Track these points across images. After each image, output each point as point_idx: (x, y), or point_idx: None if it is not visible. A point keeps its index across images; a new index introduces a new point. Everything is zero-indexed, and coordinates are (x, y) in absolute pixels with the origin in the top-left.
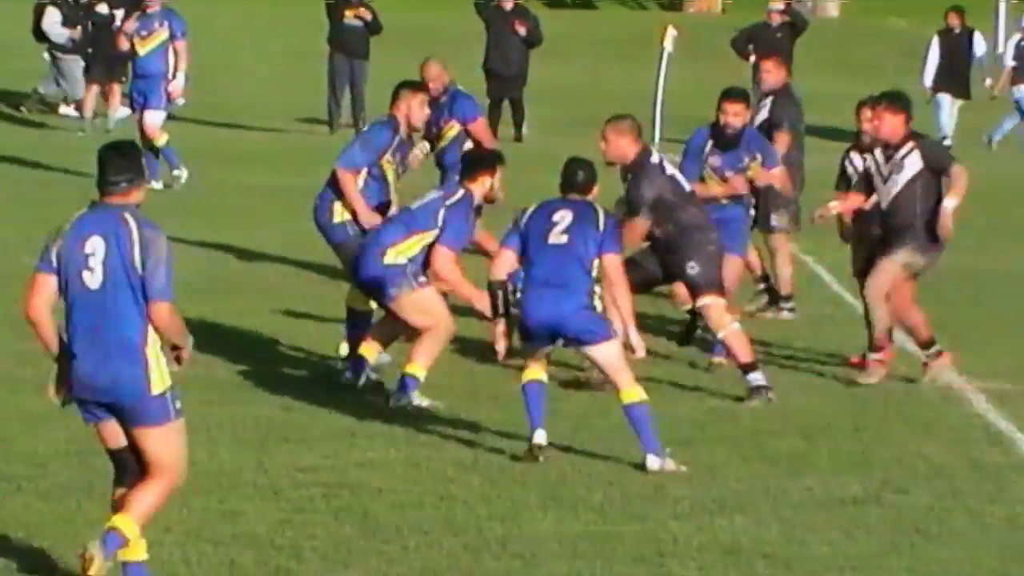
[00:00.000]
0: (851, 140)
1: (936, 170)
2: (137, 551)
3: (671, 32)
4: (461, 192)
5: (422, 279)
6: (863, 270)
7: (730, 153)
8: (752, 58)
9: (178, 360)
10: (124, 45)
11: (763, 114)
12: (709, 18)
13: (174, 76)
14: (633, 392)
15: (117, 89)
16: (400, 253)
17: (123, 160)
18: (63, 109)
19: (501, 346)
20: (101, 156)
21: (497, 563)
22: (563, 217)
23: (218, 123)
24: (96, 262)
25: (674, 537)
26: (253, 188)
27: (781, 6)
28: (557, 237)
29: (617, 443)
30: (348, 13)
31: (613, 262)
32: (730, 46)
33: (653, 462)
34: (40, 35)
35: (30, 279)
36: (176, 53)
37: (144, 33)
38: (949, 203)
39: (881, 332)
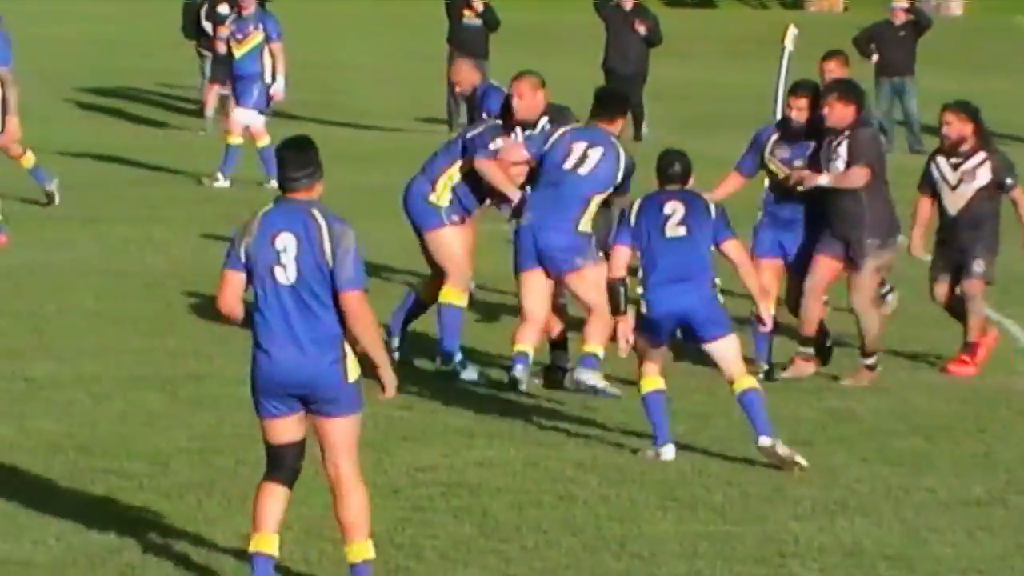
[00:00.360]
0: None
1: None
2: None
3: (792, 31)
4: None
5: (600, 255)
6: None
7: (798, 144)
8: (875, 57)
9: (382, 388)
10: (221, 48)
11: None
12: (830, 16)
13: (273, 79)
14: (747, 379)
15: None
16: (586, 223)
17: (302, 155)
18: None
19: (624, 344)
20: (280, 154)
21: (617, 563)
22: (675, 209)
23: (337, 123)
24: (288, 258)
25: (795, 538)
26: (372, 188)
27: (905, 4)
28: (674, 230)
29: (737, 443)
30: (467, 12)
31: (735, 246)
32: (852, 45)
33: (765, 440)
34: (190, 32)
35: (220, 276)
36: (273, 55)
37: (240, 36)
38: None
39: (874, 339)
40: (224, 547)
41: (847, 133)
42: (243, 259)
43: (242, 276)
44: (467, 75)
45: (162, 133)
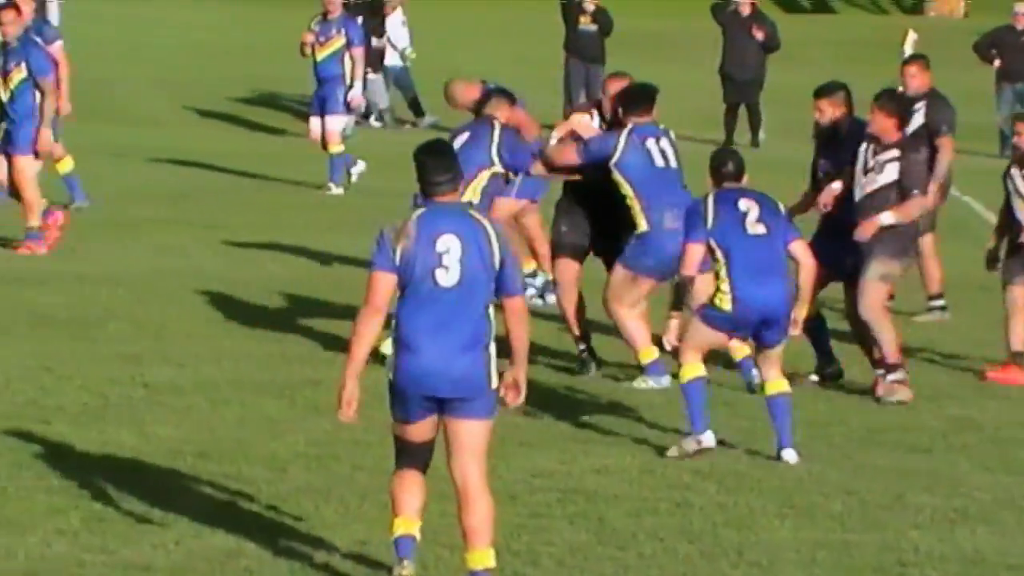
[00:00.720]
0: None
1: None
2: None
3: (911, 36)
4: None
5: None
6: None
7: (830, 154)
8: (996, 62)
9: (515, 389)
10: (306, 51)
11: (917, 119)
12: (951, 21)
13: (351, 84)
14: (781, 383)
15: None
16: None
17: (442, 159)
18: (373, 122)
19: (671, 337)
20: (419, 160)
21: (734, 570)
22: (749, 207)
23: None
24: (451, 260)
25: (915, 547)
26: None
27: None
28: (755, 227)
29: (855, 450)
30: (583, 19)
31: (801, 245)
32: (972, 50)
33: (790, 455)
34: None
35: (370, 279)
36: (353, 60)
37: (322, 39)
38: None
39: (891, 348)
40: (341, 552)
41: (897, 153)
42: (397, 262)
43: (394, 278)
44: (458, 96)
45: (280, 140)
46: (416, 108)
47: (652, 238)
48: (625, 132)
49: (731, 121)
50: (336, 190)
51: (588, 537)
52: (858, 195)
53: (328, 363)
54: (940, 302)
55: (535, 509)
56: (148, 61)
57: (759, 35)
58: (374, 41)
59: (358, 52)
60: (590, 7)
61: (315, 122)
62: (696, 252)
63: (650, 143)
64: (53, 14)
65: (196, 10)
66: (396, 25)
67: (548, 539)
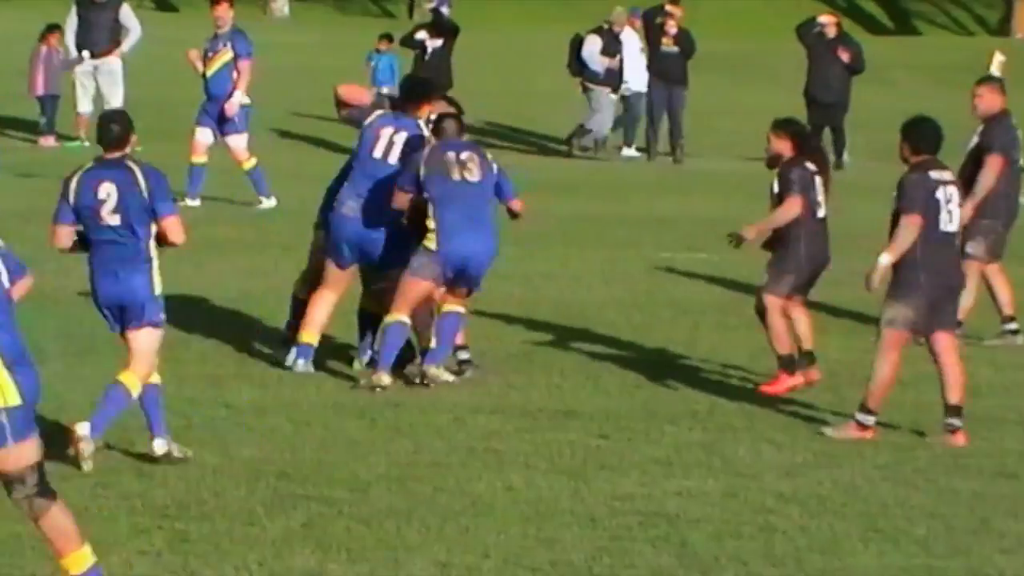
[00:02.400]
0: None
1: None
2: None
3: (999, 57)
4: None
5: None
6: None
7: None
8: None
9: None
10: (197, 67)
11: (974, 140)
12: None
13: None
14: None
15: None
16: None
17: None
18: (625, 151)
19: None
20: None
21: None
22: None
23: (532, 151)
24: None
25: (1001, 572)
26: (568, 216)
27: None
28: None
29: (940, 475)
30: (665, 41)
31: None
32: None
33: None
34: (575, 68)
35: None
36: (239, 72)
37: (211, 54)
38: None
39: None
40: (422, 573)
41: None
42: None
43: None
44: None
45: None
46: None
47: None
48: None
49: (815, 143)
50: (268, 203)
51: (670, 561)
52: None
53: (408, 386)
54: (1012, 325)
55: (616, 532)
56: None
57: (844, 57)
58: (608, 62)
59: (244, 65)
60: (672, 29)
61: (202, 133)
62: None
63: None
64: (132, 30)
65: (282, 33)
66: (628, 51)
67: (630, 562)
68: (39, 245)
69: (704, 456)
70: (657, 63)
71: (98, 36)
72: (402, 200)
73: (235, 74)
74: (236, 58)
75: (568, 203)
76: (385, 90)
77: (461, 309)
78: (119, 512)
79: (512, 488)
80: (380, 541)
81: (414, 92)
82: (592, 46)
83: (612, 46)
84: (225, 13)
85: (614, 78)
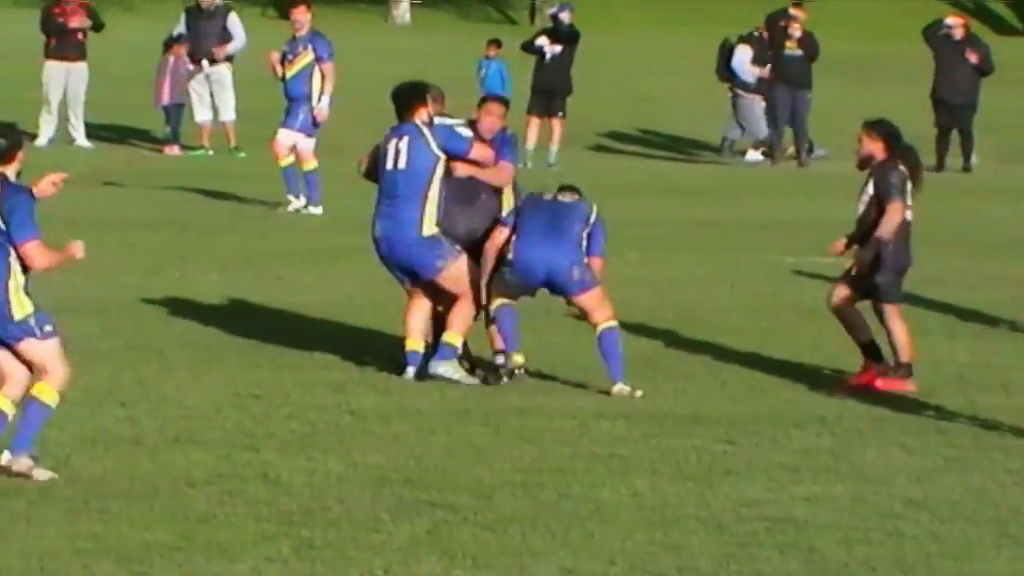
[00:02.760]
0: None
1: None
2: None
3: None
4: None
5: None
6: None
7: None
8: None
9: None
10: (277, 71)
11: None
12: None
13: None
14: None
15: (557, 124)
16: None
17: None
18: (750, 155)
19: None
20: None
21: None
22: None
23: (655, 156)
24: None
25: None
26: (692, 221)
27: None
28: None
29: None
30: (789, 44)
31: None
32: None
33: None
34: (724, 74)
35: None
36: (323, 76)
37: (291, 57)
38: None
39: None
40: None
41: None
42: None
43: None
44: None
45: None
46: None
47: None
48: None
49: (943, 145)
50: (314, 209)
51: (798, 567)
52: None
53: (533, 391)
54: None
55: (743, 539)
56: (354, 92)
57: (973, 58)
58: (758, 71)
59: (328, 67)
60: (796, 32)
61: (283, 134)
62: None
63: (391, 144)
64: (236, 37)
65: (403, 39)
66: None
67: (758, 569)
68: (167, 253)
69: (832, 461)
70: (781, 66)
71: (207, 45)
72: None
73: (316, 77)
74: (318, 60)
75: (692, 208)
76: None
77: (612, 323)
78: (246, 519)
79: (637, 494)
80: (505, 547)
81: (402, 98)
82: (743, 55)
83: (763, 55)
84: (303, 16)
85: (764, 86)
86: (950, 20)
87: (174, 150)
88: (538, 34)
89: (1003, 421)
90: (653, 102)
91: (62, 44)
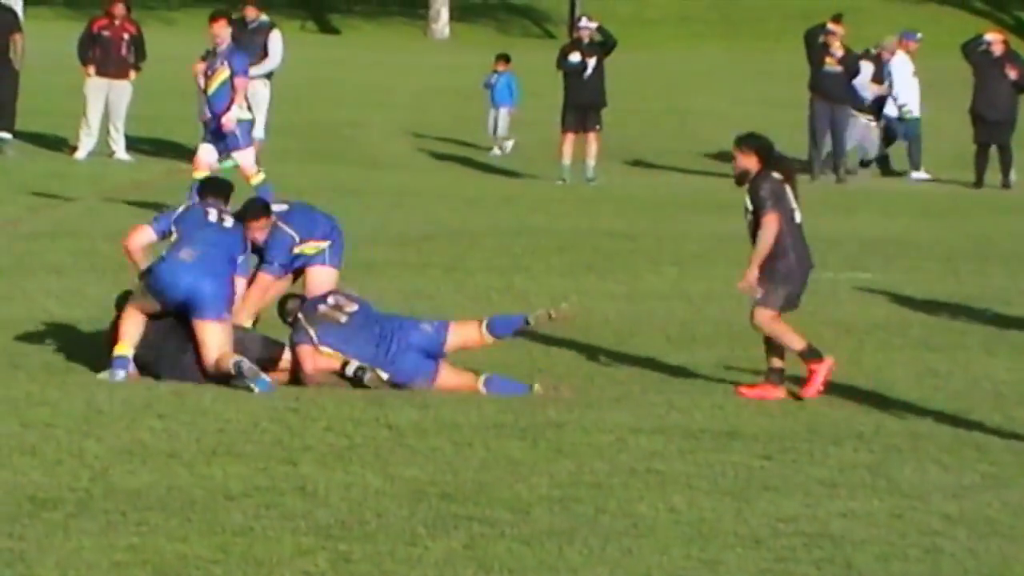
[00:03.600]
0: None
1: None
2: None
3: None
4: None
5: None
6: None
7: None
8: None
9: None
10: (200, 83)
11: None
12: None
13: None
14: None
15: (593, 137)
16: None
17: None
18: (916, 175)
19: None
20: None
21: None
22: None
23: (695, 170)
24: None
25: None
26: (731, 235)
27: None
28: None
29: None
30: (828, 60)
31: None
32: None
33: None
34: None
35: None
36: (235, 90)
37: (210, 72)
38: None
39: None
40: None
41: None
42: None
43: None
44: None
45: (519, 182)
46: (883, 163)
47: None
48: None
49: (982, 162)
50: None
51: None
52: None
53: (569, 406)
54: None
55: (780, 554)
56: (388, 106)
57: (1012, 74)
58: (877, 89)
59: (239, 82)
60: (838, 52)
61: (204, 150)
62: None
63: None
64: (272, 55)
65: (443, 53)
66: (901, 74)
67: None
68: None
69: (869, 477)
70: (820, 82)
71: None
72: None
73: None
74: (232, 75)
75: (729, 222)
76: (503, 110)
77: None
78: (283, 532)
79: (674, 509)
80: (542, 562)
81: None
82: (865, 73)
83: (881, 73)
84: (222, 30)
85: (875, 105)
86: (989, 36)
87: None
88: (567, 50)
89: None
90: (689, 116)
91: (105, 60)
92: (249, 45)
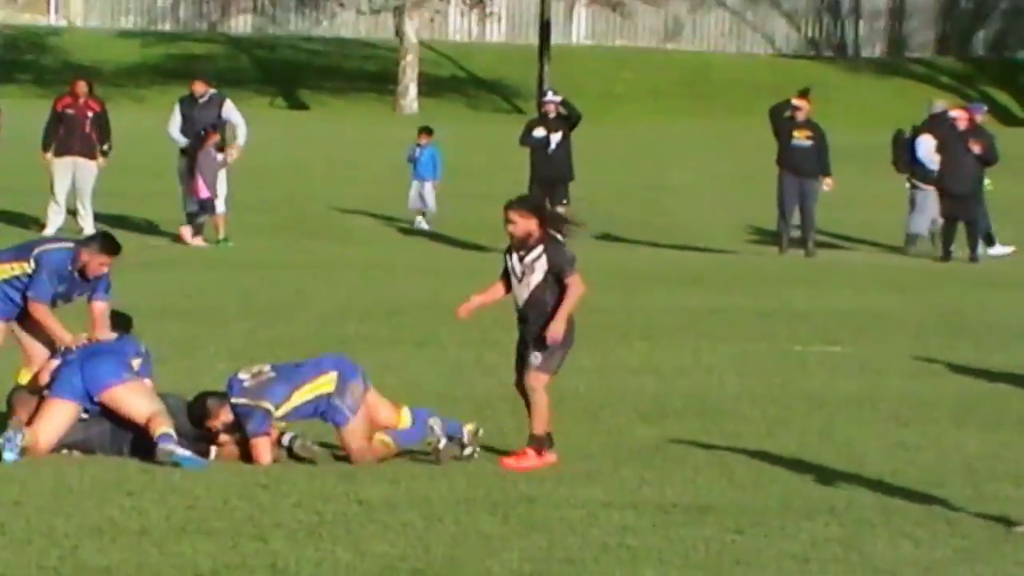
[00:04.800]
0: None
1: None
2: None
3: None
4: None
5: None
6: None
7: None
8: None
9: None
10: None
11: None
12: None
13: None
14: None
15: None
16: None
17: None
18: (997, 249)
19: None
20: None
21: None
22: None
23: (664, 244)
24: None
25: None
26: (699, 309)
27: None
28: None
29: None
30: (796, 133)
31: None
32: None
33: None
34: (905, 166)
35: None
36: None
37: None
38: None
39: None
40: None
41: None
42: None
43: None
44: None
45: (489, 256)
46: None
47: None
48: None
49: (949, 235)
50: None
51: None
52: None
53: (540, 481)
54: None
55: None
56: (361, 181)
57: (976, 148)
58: (939, 159)
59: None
60: (800, 116)
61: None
62: None
63: None
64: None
65: (410, 128)
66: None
67: None
68: (175, 341)
69: (842, 552)
70: (788, 156)
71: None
72: None
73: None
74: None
75: (700, 296)
76: (428, 184)
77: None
78: None
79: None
80: None
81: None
82: (928, 144)
83: (940, 144)
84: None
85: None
86: (953, 112)
87: (198, 240)
88: (531, 125)
89: (1012, 513)
90: (659, 191)
91: (69, 139)
92: (201, 119)
